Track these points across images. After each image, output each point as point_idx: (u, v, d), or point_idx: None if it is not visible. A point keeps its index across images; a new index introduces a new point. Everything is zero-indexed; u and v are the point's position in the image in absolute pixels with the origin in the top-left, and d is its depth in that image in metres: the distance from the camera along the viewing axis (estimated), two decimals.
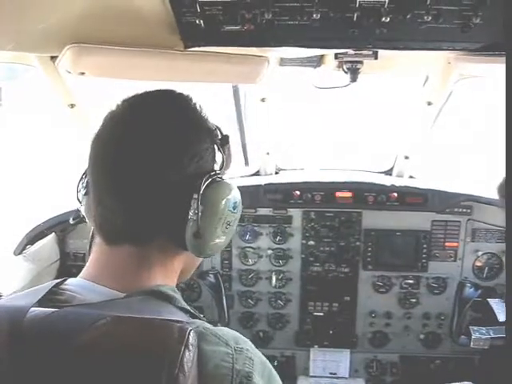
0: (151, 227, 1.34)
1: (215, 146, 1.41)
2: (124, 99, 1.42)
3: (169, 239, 1.36)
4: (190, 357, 1.09)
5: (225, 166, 1.43)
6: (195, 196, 1.32)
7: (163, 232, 1.35)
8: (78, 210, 1.56)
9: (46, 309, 1.19)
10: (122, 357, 1.10)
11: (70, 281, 1.33)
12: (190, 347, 1.10)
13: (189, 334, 1.10)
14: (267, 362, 1.34)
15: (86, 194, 1.47)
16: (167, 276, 1.40)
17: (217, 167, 1.41)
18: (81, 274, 1.36)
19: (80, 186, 1.49)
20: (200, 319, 1.31)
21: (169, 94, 1.46)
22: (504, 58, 1.53)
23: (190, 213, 1.31)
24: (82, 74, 2.37)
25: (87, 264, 1.38)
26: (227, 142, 1.45)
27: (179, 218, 1.32)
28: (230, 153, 1.50)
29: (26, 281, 3.08)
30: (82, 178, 1.49)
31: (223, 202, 1.38)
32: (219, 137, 1.43)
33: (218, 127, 1.45)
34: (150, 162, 1.31)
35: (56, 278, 3.33)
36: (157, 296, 1.29)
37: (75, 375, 1.10)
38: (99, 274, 1.33)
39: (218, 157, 1.42)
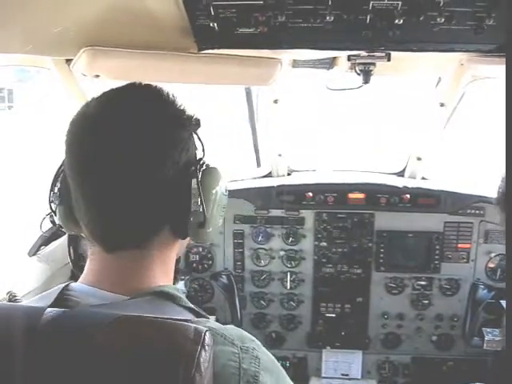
0: (151, 228, 1.34)
1: (193, 134, 1.40)
2: (96, 99, 1.38)
3: (169, 234, 1.37)
4: (206, 357, 1.10)
5: (204, 151, 1.42)
6: (194, 186, 1.33)
7: (163, 229, 1.35)
8: (52, 221, 1.50)
9: (61, 309, 1.19)
10: (138, 357, 1.11)
11: (73, 286, 1.32)
12: (207, 347, 1.10)
13: (205, 334, 1.11)
14: (275, 360, 1.35)
15: (60, 203, 1.41)
16: (167, 273, 1.41)
17: (199, 154, 1.40)
18: (80, 280, 1.35)
19: (52, 195, 1.43)
20: (205, 317, 1.32)
21: (143, 88, 1.43)
22: None
23: (192, 204, 1.32)
24: (97, 76, 2.40)
25: (85, 271, 1.36)
26: (200, 125, 1.42)
27: (179, 211, 1.33)
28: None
29: (40, 282, 3.10)
30: (53, 187, 1.43)
31: (218, 188, 1.40)
32: (193, 122, 1.40)
33: (191, 114, 1.42)
34: (145, 163, 1.29)
35: (70, 279, 3.35)
36: (161, 296, 1.30)
37: (91, 375, 1.10)
38: (100, 280, 1.32)
39: (198, 143, 1.42)
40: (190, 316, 1.29)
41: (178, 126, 1.36)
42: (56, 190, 1.42)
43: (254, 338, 1.32)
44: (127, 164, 1.27)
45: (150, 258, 1.35)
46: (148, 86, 1.42)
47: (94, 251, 1.36)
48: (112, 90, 1.40)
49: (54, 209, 1.45)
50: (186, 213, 1.34)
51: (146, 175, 1.29)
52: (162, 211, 1.33)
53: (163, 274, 1.39)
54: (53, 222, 1.49)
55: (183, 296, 1.35)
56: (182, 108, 1.40)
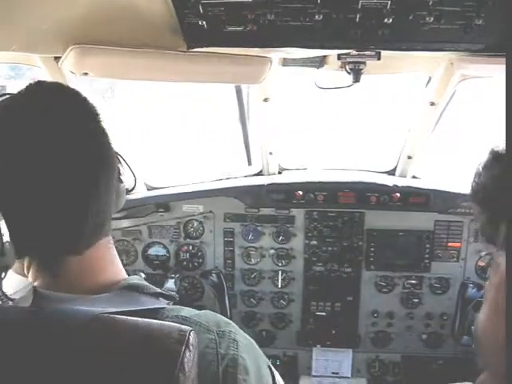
0: (95, 230, 1.31)
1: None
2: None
3: (108, 229, 1.37)
4: (190, 357, 1.09)
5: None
6: (120, 176, 1.37)
7: (104, 228, 1.35)
8: None
9: (38, 308, 1.16)
10: (121, 357, 1.10)
11: (39, 290, 1.24)
12: (191, 347, 1.10)
13: (189, 334, 1.11)
14: (253, 342, 1.36)
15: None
16: (116, 262, 1.40)
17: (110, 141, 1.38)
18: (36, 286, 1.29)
19: None
20: (172, 298, 1.34)
21: (51, 88, 1.37)
22: None
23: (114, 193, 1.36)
24: (86, 74, 2.38)
25: (35, 282, 1.32)
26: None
27: (112, 205, 1.35)
28: None
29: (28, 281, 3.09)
30: None
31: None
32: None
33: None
34: (78, 168, 1.25)
35: None
36: (130, 289, 1.30)
37: (72, 374, 1.09)
38: (55, 286, 1.27)
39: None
40: (160, 303, 1.29)
41: (96, 119, 1.34)
42: None
43: (229, 321, 1.32)
44: (60, 172, 1.23)
45: (97, 256, 1.34)
46: (51, 84, 1.40)
47: (33, 266, 1.32)
48: (20, 95, 1.32)
49: None
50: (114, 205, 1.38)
51: (73, 179, 1.25)
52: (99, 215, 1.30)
53: (115, 266, 1.39)
54: None
55: (147, 283, 1.35)
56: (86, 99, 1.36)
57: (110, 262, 1.37)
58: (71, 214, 1.25)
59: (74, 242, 1.28)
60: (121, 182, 1.45)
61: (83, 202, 1.26)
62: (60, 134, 1.24)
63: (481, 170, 1.13)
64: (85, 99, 1.35)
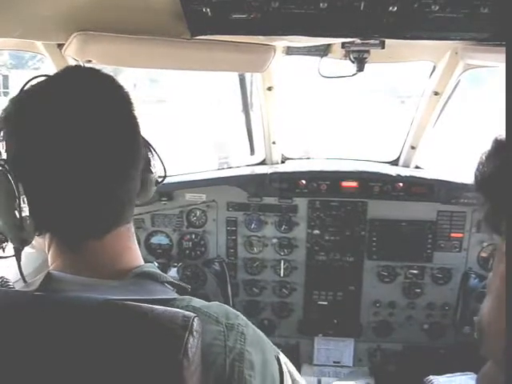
0: (111, 217, 1.32)
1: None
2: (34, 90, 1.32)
3: (130, 216, 1.37)
4: (194, 343, 1.10)
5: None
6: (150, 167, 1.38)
7: (125, 216, 1.35)
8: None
9: (46, 294, 1.17)
10: (125, 342, 1.11)
11: (54, 274, 1.25)
12: (195, 333, 1.10)
13: (193, 320, 1.11)
14: (261, 334, 1.37)
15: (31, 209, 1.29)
16: (134, 250, 1.40)
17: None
18: (55, 268, 1.32)
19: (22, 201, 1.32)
20: (185, 289, 1.34)
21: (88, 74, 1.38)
22: None
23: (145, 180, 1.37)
24: (89, 61, 2.38)
25: (56, 261, 1.34)
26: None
27: (133, 191, 1.35)
28: None
29: (33, 268, 3.09)
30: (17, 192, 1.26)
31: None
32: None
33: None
34: (108, 153, 1.27)
35: None
36: (143, 277, 1.30)
37: (77, 360, 1.10)
38: (75, 268, 1.28)
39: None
40: (172, 293, 1.30)
41: (128, 108, 1.35)
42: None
43: (238, 314, 1.32)
44: (89, 157, 1.24)
45: (116, 243, 1.34)
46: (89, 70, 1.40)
47: (57, 246, 1.33)
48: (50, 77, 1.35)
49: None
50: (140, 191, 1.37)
51: (104, 164, 1.26)
52: (121, 201, 1.32)
53: (133, 254, 1.39)
54: None
55: (161, 272, 1.36)
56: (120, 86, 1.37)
57: (127, 248, 1.37)
58: (95, 196, 1.27)
59: (94, 225, 1.30)
60: (150, 172, 1.46)
61: (107, 187, 1.28)
62: (93, 118, 1.26)
63: (484, 159, 1.11)
64: (120, 86, 1.37)
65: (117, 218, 1.33)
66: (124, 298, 1.16)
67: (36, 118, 1.25)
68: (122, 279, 1.28)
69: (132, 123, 1.35)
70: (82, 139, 1.23)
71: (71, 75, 1.36)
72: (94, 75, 1.37)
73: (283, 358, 1.46)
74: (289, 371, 1.47)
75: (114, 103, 1.32)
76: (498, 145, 1.10)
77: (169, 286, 1.34)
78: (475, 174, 1.12)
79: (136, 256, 1.39)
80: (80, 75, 1.36)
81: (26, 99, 1.29)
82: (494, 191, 1.08)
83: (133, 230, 1.42)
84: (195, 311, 1.19)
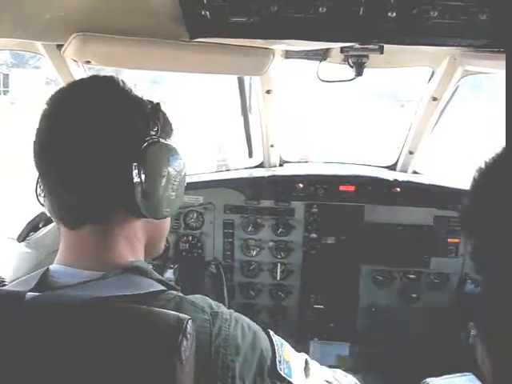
0: (104, 203, 1.36)
1: (146, 115, 1.42)
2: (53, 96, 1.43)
3: (125, 210, 1.38)
4: (187, 345, 1.11)
5: (161, 131, 1.44)
6: (135, 160, 1.36)
7: (118, 205, 1.37)
8: (43, 214, 1.55)
9: (40, 292, 1.20)
10: (117, 343, 1.12)
11: (51, 268, 1.35)
12: (188, 336, 1.11)
13: (187, 322, 1.12)
14: (250, 323, 1.43)
15: (45, 195, 1.44)
16: (134, 250, 1.42)
17: (153, 133, 1.41)
18: (56, 261, 1.38)
19: (39, 189, 1.47)
20: (174, 289, 1.36)
21: (96, 79, 1.49)
22: None
23: (134, 177, 1.34)
24: (88, 62, 2.39)
25: (59, 252, 1.40)
26: (160, 110, 1.47)
27: (127, 186, 1.35)
28: (168, 120, 1.54)
29: (29, 267, 3.10)
30: (38, 181, 1.46)
31: (162, 160, 1.40)
32: (149, 106, 1.44)
33: (145, 99, 1.47)
34: (92, 143, 1.33)
35: None
36: (132, 271, 1.32)
37: (71, 358, 1.11)
38: (72, 259, 1.35)
39: (153, 124, 1.44)
40: (161, 288, 1.32)
41: (125, 108, 1.40)
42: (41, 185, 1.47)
43: (220, 304, 1.38)
44: (76, 147, 1.33)
45: (110, 234, 1.37)
46: (100, 77, 1.49)
47: (62, 231, 1.40)
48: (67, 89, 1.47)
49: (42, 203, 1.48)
50: (131, 188, 1.35)
51: (90, 156, 1.33)
52: (107, 189, 1.34)
53: (129, 250, 1.40)
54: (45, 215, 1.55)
55: (151, 269, 1.39)
56: (129, 90, 1.45)
57: (126, 242, 1.40)
58: (94, 180, 1.34)
59: (91, 209, 1.35)
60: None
61: (108, 173, 1.34)
62: (103, 123, 1.36)
63: (470, 189, 1.01)
64: (130, 91, 1.45)
65: (114, 202, 1.36)
66: (117, 294, 1.19)
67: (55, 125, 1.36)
68: (113, 271, 1.30)
69: (138, 127, 1.40)
70: (91, 137, 1.33)
71: (88, 83, 1.49)
72: (107, 85, 1.45)
73: (278, 341, 1.53)
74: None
75: (122, 110, 1.40)
76: (478, 178, 1.00)
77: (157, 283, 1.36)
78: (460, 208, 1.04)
79: (128, 253, 1.40)
80: (95, 85, 1.47)
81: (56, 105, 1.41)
82: (473, 229, 1.01)
83: (139, 225, 1.45)
84: (182, 300, 1.25)
